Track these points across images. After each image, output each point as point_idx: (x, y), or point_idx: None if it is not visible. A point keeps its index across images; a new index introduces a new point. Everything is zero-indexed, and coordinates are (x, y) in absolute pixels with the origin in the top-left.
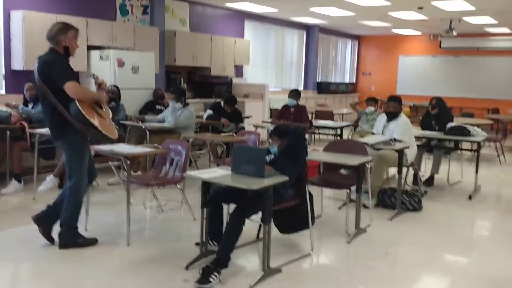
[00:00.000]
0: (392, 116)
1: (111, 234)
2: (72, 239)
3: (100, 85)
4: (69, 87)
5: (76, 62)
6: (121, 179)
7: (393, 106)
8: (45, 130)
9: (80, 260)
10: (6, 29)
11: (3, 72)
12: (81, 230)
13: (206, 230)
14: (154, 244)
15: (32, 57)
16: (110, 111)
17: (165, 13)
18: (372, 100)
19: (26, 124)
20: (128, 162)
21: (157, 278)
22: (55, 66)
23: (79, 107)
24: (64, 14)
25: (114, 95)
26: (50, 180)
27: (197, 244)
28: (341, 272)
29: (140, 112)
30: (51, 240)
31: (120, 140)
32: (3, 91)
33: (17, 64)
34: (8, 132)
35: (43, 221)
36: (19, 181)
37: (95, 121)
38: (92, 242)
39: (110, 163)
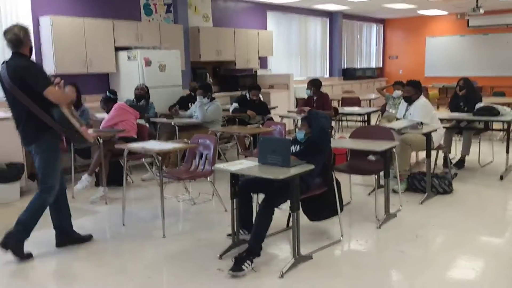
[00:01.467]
0: (409, 100)
1: (147, 228)
2: (17, 243)
3: (57, 84)
4: (52, 92)
5: (105, 64)
6: (154, 175)
7: (407, 91)
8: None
9: (118, 252)
10: (36, 35)
11: None
12: (118, 224)
13: (237, 220)
14: (188, 235)
15: (62, 61)
16: (138, 111)
17: (188, 10)
18: (399, 84)
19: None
20: (160, 158)
21: (192, 268)
22: (32, 71)
23: (63, 112)
24: (91, 17)
25: (143, 92)
26: (85, 178)
27: (229, 235)
28: (372, 257)
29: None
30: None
31: (151, 137)
32: None
33: (49, 69)
34: None
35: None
36: None
37: (77, 124)
38: (28, 256)
39: (143, 160)
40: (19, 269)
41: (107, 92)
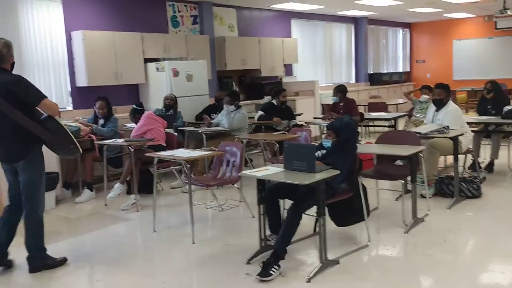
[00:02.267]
0: (439, 104)
1: (177, 234)
2: (42, 261)
3: None
4: (47, 105)
5: (134, 75)
6: (182, 182)
7: (438, 93)
8: (111, 141)
9: (150, 258)
10: (69, 49)
11: (69, 89)
12: (149, 231)
13: (264, 226)
14: (217, 241)
15: (94, 74)
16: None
17: (213, 21)
18: (427, 88)
19: (94, 137)
20: (188, 165)
21: (221, 273)
22: (24, 86)
23: (60, 123)
24: (120, 31)
25: (172, 102)
26: (117, 187)
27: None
28: (400, 262)
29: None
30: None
31: (180, 145)
32: (70, 107)
33: (81, 81)
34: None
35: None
36: (91, 190)
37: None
38: (62, 262)
39: (172, 167)
40: (55, 276)
41: (134, 104)
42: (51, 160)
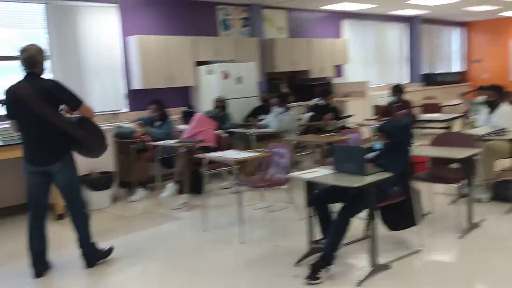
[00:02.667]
0: (492, 105)
1: (226, 234)
2: (95, 255)
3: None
4: (86, 108)
5: (186, 78)
6: (232, 183)
7: (489, 95)
8: (163, 142)
9: (199, 257)
10: (125, 53)
11: (125, 92)
12: (199, 230)
13: (313, 228)
14: (265, 242)
15: (148, 77)
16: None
17: (263, 23)
18: (484, 89)
19: (147, 138)
20: (237, 167)
21: (268, 274)
22: (64, 90)
23: (97, 125)
24: (173, 35)
25: (222, 104)
26: (170, 187)
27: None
28: (454, 268)
29: (247, 118)
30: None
31: (229, 147)
32: (126, 109)
33: (136, 84)
34: (133, 146)
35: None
36: (145, 189)
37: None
38: (109, 251)
39: (221, 168)
40: (108, 272)
41: (185, 107)
42: (107, 160)
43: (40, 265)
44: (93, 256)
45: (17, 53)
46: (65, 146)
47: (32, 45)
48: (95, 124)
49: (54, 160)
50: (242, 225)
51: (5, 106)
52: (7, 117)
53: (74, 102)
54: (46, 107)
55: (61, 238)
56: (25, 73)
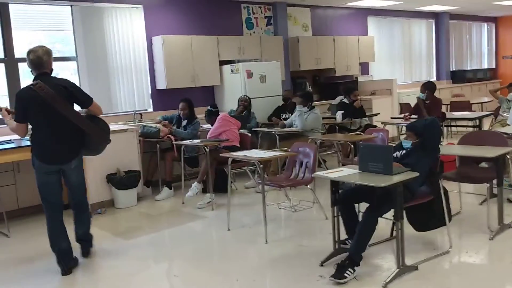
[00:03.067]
0: None
1: (250, 233)
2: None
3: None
4: (97, 106)
5: (210, 77)
6: (256, 182)
7: None
8: (188, 141)
9: (225, 255)
10: (149, 54)
11: (150, 92)
12: (223, 229)
13: (338, 228)
14: (290, 241)
15: (172, 77)
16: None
17: (287, 21)
18: None
19: (172, 137)
20: (261, 166)
21: (293, 274)
22: (79, 88)
23: (105, 122)
24: (197, 34)
25: (246, 103)
26: (195, 186)
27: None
28: (484, 270)
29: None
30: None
31: (253, 146)
32: (151, 109)
33: (161, 84)
34: (158, 145)
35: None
36: (170, 188)
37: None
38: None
39: (246, 168)
40: (134, 270)
41: (209, 106)
42: (133, 159)
43: (68, 262)
44: (91, 244)
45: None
46: (80, 144)
47: (39, 46)
48: (103, 120)
49: (73, 157)
50: (266, 225)
51: (17, 109)
52: (18, 120)
53: (87, 99)
54: (68, 105)
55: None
56: (34, 74)
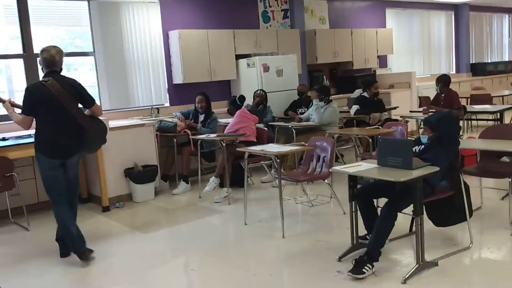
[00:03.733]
0: None
1: (267, 227)
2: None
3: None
4: (98, 106)
5: (226, 72)
6: (272, 177)
7: None
8: (205, 136)
9: (242, 250)
10: (166, 48)
11: (167, 86)
12: (240, 223)
13: (356, 223)
14: (307, 236)
15: (189, 71)
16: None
17: (304, 14)
18: None
19: (189, 132)
20: (278, 160)
21: (311, 269)
22: (84, 88)
23: (103, 122)
24: (213, 28)
25: (262, 98)
26: (212, 181)
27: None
28: (506, 266)
29: (286, 112)
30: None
31: (270, 140)
32: (167, 104)
33: (177, 79)
34: (175, 140)
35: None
36: (187, 182)
37: None
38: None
39: (262, 162)
40: (153, 264)
41: (237, 97)
42: (150, 154)
43: (83, 247)
44: (80, 245)
45: (39, 53)
46: (81, 140)
47: (52, 46)
48: (102, 122)
49: (76, 153)
50: (283, 219)
51: (26, 103)
52: (26, 113)
53: (91, 100)
54: (75, 103)
55: (110, 228)
56: (45, 72)
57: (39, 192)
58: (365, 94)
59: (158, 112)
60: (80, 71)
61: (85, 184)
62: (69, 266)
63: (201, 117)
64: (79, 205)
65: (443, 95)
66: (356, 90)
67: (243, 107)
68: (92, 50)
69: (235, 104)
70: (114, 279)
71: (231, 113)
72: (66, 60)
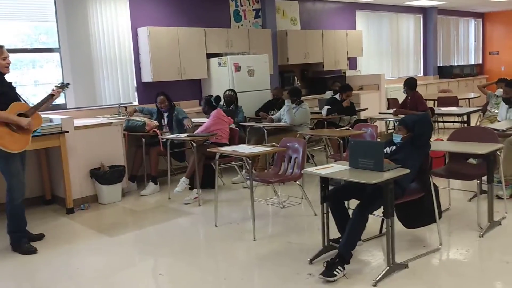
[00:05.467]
0: (509, 102)
1: (238, 229)
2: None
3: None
4: None
5: (197, 70)
6: (243, 177)
7: (506, 92)
8: (175, 136)
9: (212, 253)
10: (134, 45)
11: (135, 84)
12: (211, 225)
13: (327, 225)
14: (278, 238)
15: (158, 69)
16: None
17: (276, 15)
18: (503, 82)
19: (158, 131)
20: (250, 161)
21: (283, 271)
22: None
23: None
24: (184, 26)
25: (232, 98)
26: (183, 181)
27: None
28: (474, 268)
29: (257, 112)
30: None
31: (241, 140)
32: (136, 102)
33: (146, 77)
34: (143, 139)
35: None
36: (156, 183)
37: None
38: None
39: (233, 163)
40: (119, 267)
41: (212, 97)
42: (118, 153)
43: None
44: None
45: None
46: None
47: None
48: None
49: None
50: (254, 221)
51: None
52: None
53: None
54: None
55: (74, 231)
56: None
57: None
58: (337, 96)
59: (125, 111)
60: (46, 68)
61: (49, 184)
62: (32, 270)
63: (166, 115)
64: (42, 207)
65: (409, 98)
66: (327, 92)
67: (218, 108)
68: (57, 46)
69: (210, 104)
70: (79, 284)
71: (206, 112)
72: (31, 56)
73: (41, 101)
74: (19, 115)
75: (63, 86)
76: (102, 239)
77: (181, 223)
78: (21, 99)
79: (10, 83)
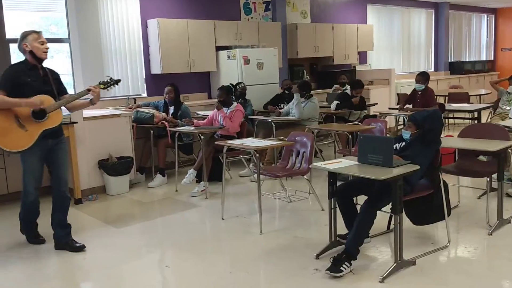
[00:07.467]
0: None
1: (245, 223)
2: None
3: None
4: None
5: (206, 63)
6: (251, 171)
7: None
8: (184, 129)
9: (218, 246)
10: (144, 37)
11: (144, 76)
12: (217, 219)
13: (334, 221)
14: (285, 233)
15: (168, 61)
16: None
17: (286, 8)
18: None
19: (166, 123)
20: (258, 155)
21: (289, 266)
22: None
23: None
24: (194, 18)
25: (245, 91)
26: (191, 173)
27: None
28: (482, 266)
29: (266, 106)
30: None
31: (249, 134)
32: (145, 94)
33: (156, 69)
34: (151, 131)
35: None
36: (163, 175)
37: None
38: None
39: (241, 156)
40: (126, 259)
41: (235, 84)
42: (126, 145)
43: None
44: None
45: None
46: None
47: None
48: None
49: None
50: (261, 215)
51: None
52: None
53: None
54: None
55: (82, 222)
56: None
57: (9, 183)
58: (348, 91)
59: (135, 103)
60: (56, 58)
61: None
62: (41, 260)
63: (171, 109)
64: (50, 197)
65: (419, 92)
66: (334, 86)
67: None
68: (67, 37)
69: (231, 92)
70: (86, 274)
71: (224, 102)
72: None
73: (71, 96)
74: (34, 113)
75: (107, 83)
76: (109, 230)
77: (188, 216)
78: (59, 90)
79: (47, 72)
